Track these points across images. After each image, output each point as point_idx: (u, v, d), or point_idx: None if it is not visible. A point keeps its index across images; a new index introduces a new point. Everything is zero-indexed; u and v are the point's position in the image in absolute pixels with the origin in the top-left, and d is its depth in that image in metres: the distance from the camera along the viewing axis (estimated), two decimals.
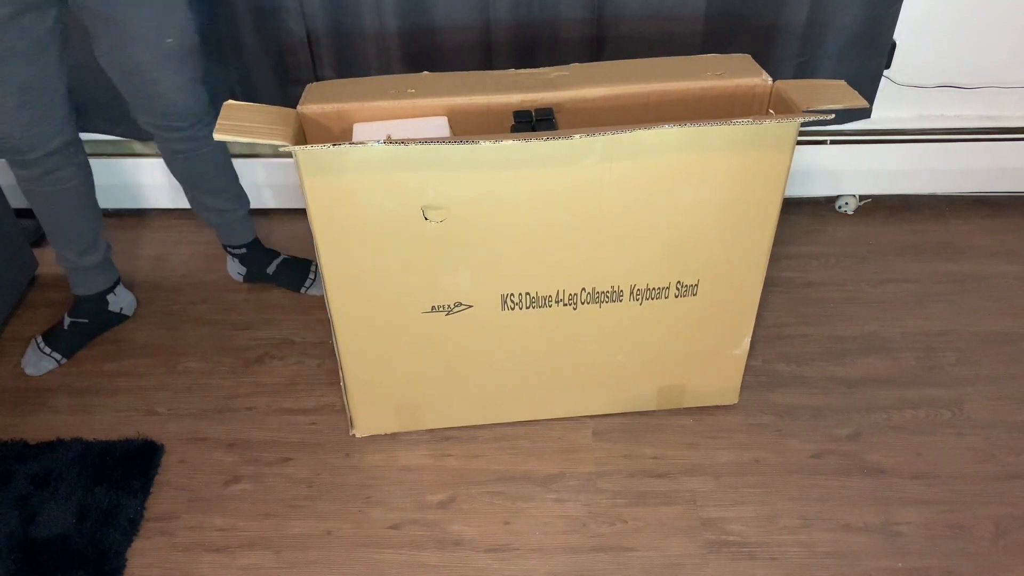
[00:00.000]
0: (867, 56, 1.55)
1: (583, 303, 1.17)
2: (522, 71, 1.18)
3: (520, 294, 1.15)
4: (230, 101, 1.02)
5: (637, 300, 1.18)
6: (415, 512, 1.22)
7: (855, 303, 1.56)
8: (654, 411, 1.34)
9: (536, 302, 1.16)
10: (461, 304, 1.15)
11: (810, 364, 1.44)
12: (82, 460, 1.28)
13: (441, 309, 1.15)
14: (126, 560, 1.16)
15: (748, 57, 1.20)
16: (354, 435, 1.31)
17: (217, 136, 0.96)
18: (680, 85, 1.13)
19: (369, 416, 1.29)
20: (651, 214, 1.09)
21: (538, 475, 1.26)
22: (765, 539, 1.17)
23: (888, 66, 1.59)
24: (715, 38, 1.52)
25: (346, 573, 1.15)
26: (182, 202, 1.79)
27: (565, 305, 1.17)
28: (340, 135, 1.12)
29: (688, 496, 1.23)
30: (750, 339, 1.27)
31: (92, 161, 1.70)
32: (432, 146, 0.98)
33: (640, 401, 1.32)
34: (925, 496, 1.22)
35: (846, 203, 1.78)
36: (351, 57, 1.54)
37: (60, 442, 1.31)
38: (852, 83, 1.56)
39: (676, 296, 1.18)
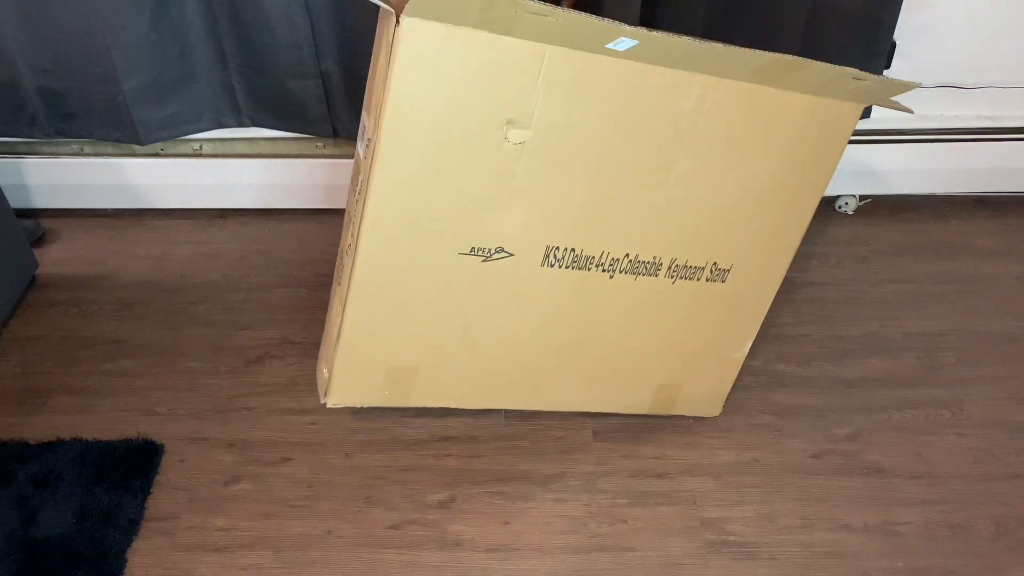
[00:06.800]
0: (867, 56, 1.55)
1: (621, 271, 1.14)
2: None
3: (565, 249, 1.10)
4: None
5: (671, 278, 1.16)
6: (415, 512, 1.22)
7: (855, 303, 1.56)
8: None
9: (578, 261, 1.12)
10: (503, 250, 1.08)
11: (810, 364, 1.44)
12: (82, 460, 1.28)
13: (480, 253, 1.08)
14: (126, 560, 1.16)
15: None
16: (324, 404, 1.20)
17: None
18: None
19: (351, 381, 1.18)
20: (715, 180, 1.08)
21: (538, 475, 1.26)
22: (765, 539, 1.17)
23: (888, 66, 1.59)
24: (714, 38, 1.51)
25: (346, 573, 1.15)
26: (182, 202, 1.80)
27: (604, 271, 1.14)
28: None
29: (688, 496, 1.23)
30: (751, 344, 1.27)
31: (92, 161, 1.72)
32: (577, 15, 0.88)
33: (636, 401, 1.31)
34: (925, 496, 1.22)
35: (846, 203, 1.78)
36: (354, 52, 1.53)
37: (60, 442, 1.31)
38: None
39: (707, 280, 1.18)
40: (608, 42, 0.93)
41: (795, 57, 0.99)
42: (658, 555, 1.16)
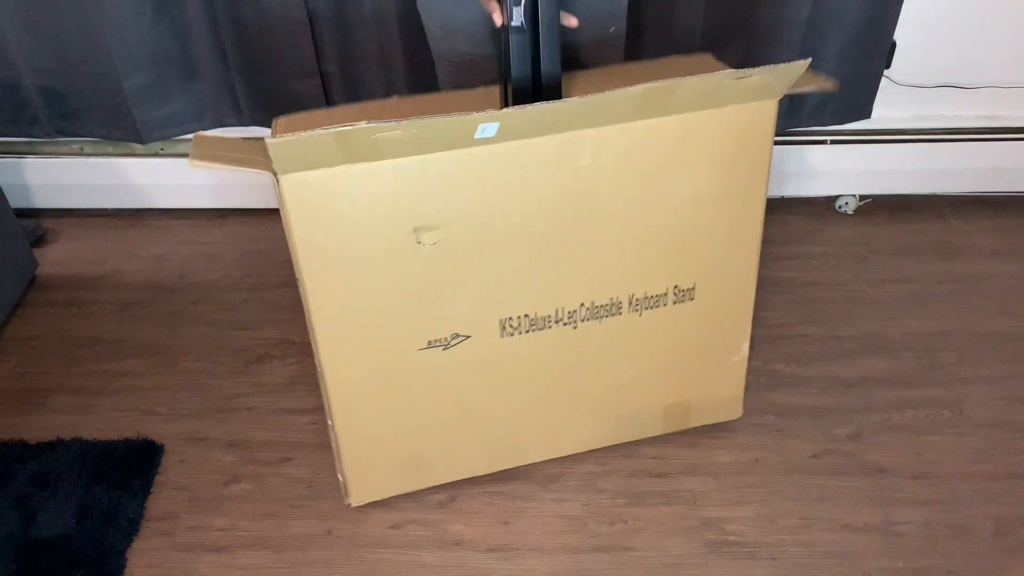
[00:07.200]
0: (867, 56, 1.55)
1: (583, 320, 1.14)
2: (497, 88, 1.13)
3: (519, 317, 1.11)
4: (200, 134, 0.97)
5: (636, 311, 1.16)
6: (415, 512, 1.22)
7: (855, 303, 1.56)
8: None
9: (536, 324, 1.13)
10: (459, 335, 1.10)
11: (810, 364, 1.44)
12: (82, 460, 1.28)
13: (438, 343, 1.10)
14: (126, 560, 1.16)
15: (710, 56, 1.20)
16: (349, 504, 1.22)
17: (193, 164, 0.91)
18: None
19: (366, 480, 1.21)
20: (644, 212, 1.08)
21: (538, 475, 1.26)
22: (765, 539, 1.17)
23: (888, 66, 1.59)
24: (714, 39, 1.52)
25: (346, 573, 1.15)
26: (182, 202, 1.80)
27: (565, 325, 1.14)
28: None
29: (688, 496, 1.23)
30: (748, 344, 1.27)
31: (92, 161, 1.72)
32: (428, 120, 0.90)
33: (648, 425, 1.30)
34: (925, 496, 1.23)
35: (846, 203, 1.78)
36: (354, 52, 1.53)
37: (60, 442, 1.31)
38: (853, 83, 1.58)
39: (675, 303, 1.17)
40: (473, 133, 0.94)
41: (663, 82, 0.96)
42: (658, 555, 1.16)
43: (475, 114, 0.92)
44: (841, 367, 1.43)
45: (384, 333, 1.08)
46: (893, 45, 1.57)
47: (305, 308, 1.03)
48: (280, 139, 0.89)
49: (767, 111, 1.05)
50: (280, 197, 0.95)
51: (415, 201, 0.99)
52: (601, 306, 1.14)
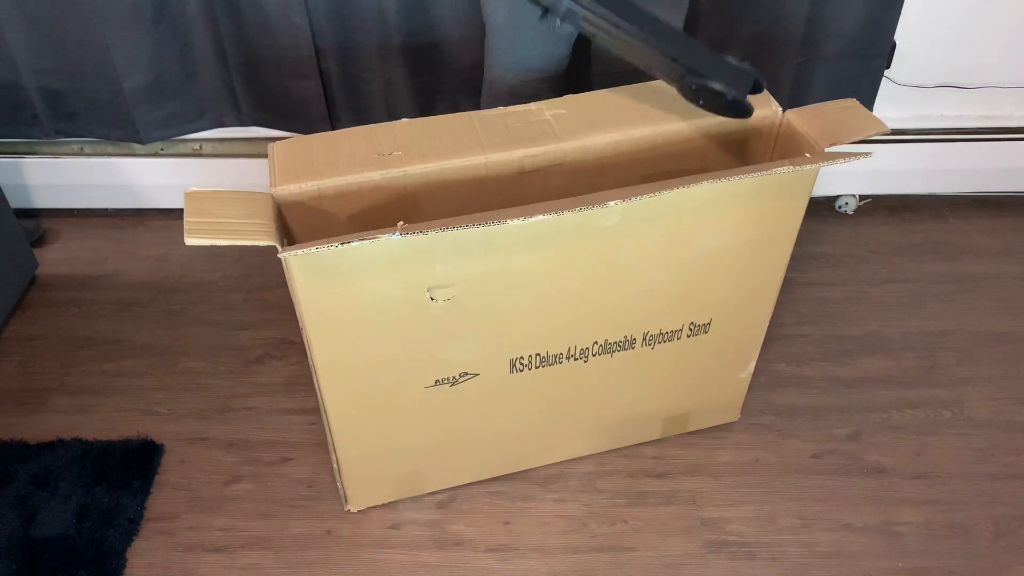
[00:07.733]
0: (867, 57, 1.55)
1: (594, 355, 1.13)
2: (512, 110, 1.08)
3: (530, 356, 1.10)
4: (192, 190, 0.90)
5: (650, 345, 1.14)
6: (415, 512, 1.22)
7: (855, 303, 1.56)
8: None
9: (546, 361, 1.11)
10: (467, 374, 1.09)
11: (810, 364, 1.44)
12: (82, 460, 1.28)
13: (445, 382, 1.08)
14: (126, 560, 1.16)
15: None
16: (348, 510, 1.23)
17: (190, 240, 0.85)
18: (687, 125, 1.07)
19: (365, 490, 1.21)
20: (667, 264, 1.05)
21: (538, 475, 1.26)
22: (765, 539, 1.18)
23: (888, 66, 1.59)
24: (714, 39, 1.51)
25: (346, 573, 1.15)
26: (182, 202, 1.79)
27: (576, 360, 1.12)
28: (320, 216, 1.01)
29: (688, 496, 1.23)
30: (755, 363, 1.26)
31: (92, 161, 1.72)
32: (451, 232, 0.88)
33: (646, 433, 1.30)
34: (925, 496, 1.23)
35: (846, 203, 1.78)
36: (354, 52, 1.53)
37: (60, 442, 1.31)
38: (852, 84, 1.58)
39: (688, 336, 1.16)
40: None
41: (705, 182, 0.93)
42: (658, 555, 1.16)
43: (509, 222, 0.89)
44: (841, 367, 1.43)
45: (391, 377, 1.06)
46: (893, 45, 1.57)
47: (309, 357, 1.01)
48: (296, 252, 0.87)
49: (809, 169, 1.01)
50: (286, 265, 0.91)
51: (430, 263, 0.95)
52: (614, 343, 1.13)
